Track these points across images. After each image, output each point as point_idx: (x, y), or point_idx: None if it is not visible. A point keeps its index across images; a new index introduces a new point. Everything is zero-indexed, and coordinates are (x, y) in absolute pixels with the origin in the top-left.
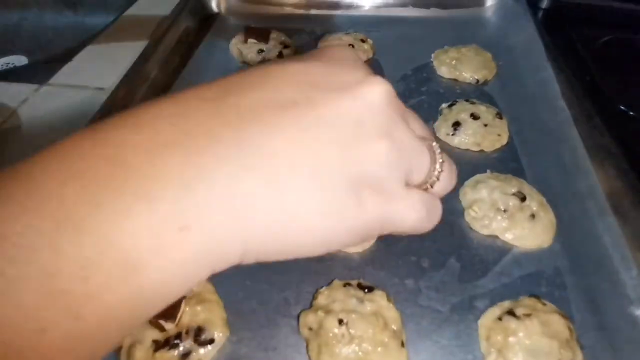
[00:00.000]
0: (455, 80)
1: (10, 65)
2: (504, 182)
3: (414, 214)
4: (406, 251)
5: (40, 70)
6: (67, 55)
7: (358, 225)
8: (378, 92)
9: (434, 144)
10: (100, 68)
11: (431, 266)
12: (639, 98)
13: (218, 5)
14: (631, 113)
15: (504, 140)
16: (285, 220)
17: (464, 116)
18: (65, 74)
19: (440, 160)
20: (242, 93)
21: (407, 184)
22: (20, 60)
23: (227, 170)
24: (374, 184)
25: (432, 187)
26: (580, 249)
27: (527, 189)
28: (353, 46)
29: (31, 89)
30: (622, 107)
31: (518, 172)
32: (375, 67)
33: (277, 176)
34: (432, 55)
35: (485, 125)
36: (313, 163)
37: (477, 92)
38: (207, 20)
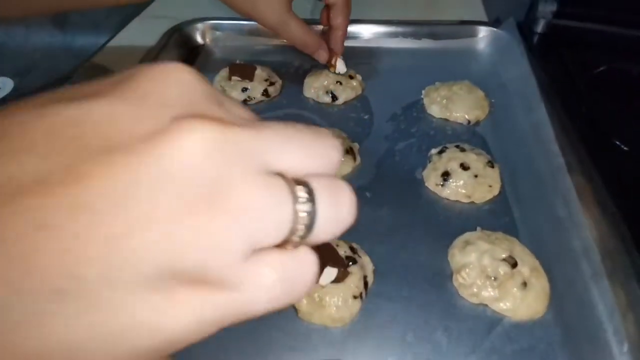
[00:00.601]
0: (446, 120)
1: None
2: (494, 245)
3: (261, 300)
4: (390, 322)
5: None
6: (57, 83)
7: (160, 343)
8: (188, 145)
9: (302, 177)
10: None
11: (416, 340)
12: (634, 132)
13: (203, 37)
14: (625, 148)
15: (496, 190)
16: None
17: (453, 166)
18: None
19: (305, 199)
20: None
21: (254, 250)
22: (5, 83)
23: None
24: (191, 275)
25: (302, 239)
26: (573, 319)
27: (519, 251)
28: (341, 83)
29: None
30: (617, 142)
31: (510, 227)
32: (364, 105)
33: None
34: (423, 92)
35: (476, 176)
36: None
37: (469, 134)
38: (192, 52)
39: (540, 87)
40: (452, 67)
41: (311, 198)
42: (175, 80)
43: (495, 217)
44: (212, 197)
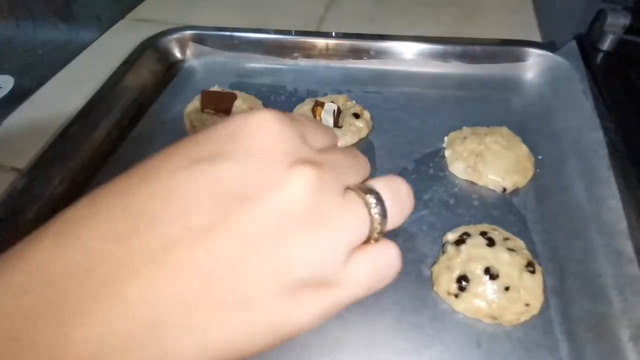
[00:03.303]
0: (474, 183)
1: None
2: None
3: (362, 290)
4: None
5: None
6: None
7: (293, 332)
8: (298, 189)
9: (366, 184)
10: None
11: None
12: None
13: (183, 52)
14: None
15: (535, 309)
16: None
17: (475, 269)
18: None
19: (374, 203)
20: (153, 227)
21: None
22: (7, 81)
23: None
24: (310, 281)
25: (380, 233)
26: None
27: None
28: (338, 122)
29: None
30: None
31: None
32: (367, 153)
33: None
34: (446, 140)
35: (507, 288)
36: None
37: (504, 207)
38: (170, 69)
39: (611, 145)
40: (486, 103)
41: (379, 200)
42: (272, 132)
43: (532, 352)
44: (318, 221)
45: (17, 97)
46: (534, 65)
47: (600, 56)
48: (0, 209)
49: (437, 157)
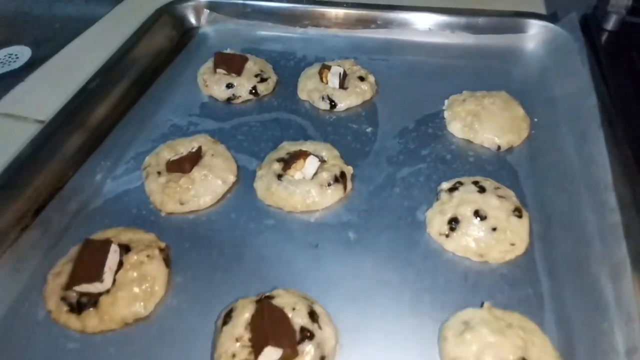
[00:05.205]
0: (470, 142)
1: (14, 58)
2: (504, 337)
3: None
4: None
5: None
6: None
7: None
8: None
9: None
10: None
11: None
12: None
13: (197, 19)
14: None
15: (520, 250)
16: None
17: (465, 211)
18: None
19: None
20: None
21: None
22: (24, 52)
23: None
24: None
25: None
26: None
27: (538, 347)
28: (344, 84)
29: None
30: None
31: (533, 305)
32: (370, 114)
33: None
34: (446, 102)
35: (494, 229)
36: None
37: (497, 163)
38: (184, 35)
39: (602, 110)
40: (488, 71)
41: None
42: None
43: (515, 287)
44: None
45: (34, 66)
46: (535, 37)
47: (604, 36)
48: (26, 156)
49: (437, 118)
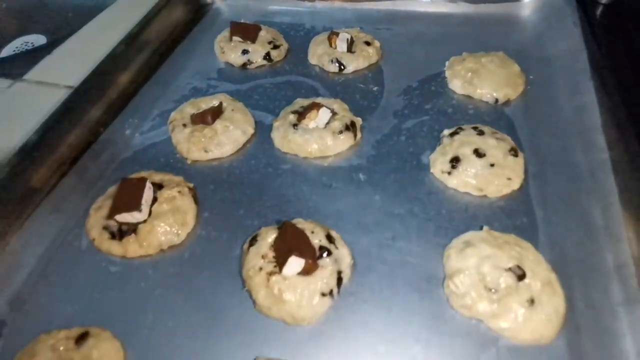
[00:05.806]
0: (470, 97)
1: (30, 46)
2: (500, 250)
3: None
4: (362, 327)
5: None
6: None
7: None
8: None
9: None
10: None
11: (389, 353)
12: None
13: None
14: None
15: (516, 184)
16: None
17: (465, 151)
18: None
19: None
20: None
21: None
22: (38, 39)
23: None
24: None
25: None
26: (591, 352)
27: (532, 261)
28: (351, 48)
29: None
30: None
31: (527, 230)
32: (376, 75)
33: None
34: (447, 63)
35: (492, 165)
36: None
37: (495, 115)
38: (199, 11)
39: (593, 65)
40: (487, 36)
41: None
42: None
43: (511, 216)
44: None
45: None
46: (530, 4)
47: (599, 9)
48: (60, 113)
49: (439, 78)
